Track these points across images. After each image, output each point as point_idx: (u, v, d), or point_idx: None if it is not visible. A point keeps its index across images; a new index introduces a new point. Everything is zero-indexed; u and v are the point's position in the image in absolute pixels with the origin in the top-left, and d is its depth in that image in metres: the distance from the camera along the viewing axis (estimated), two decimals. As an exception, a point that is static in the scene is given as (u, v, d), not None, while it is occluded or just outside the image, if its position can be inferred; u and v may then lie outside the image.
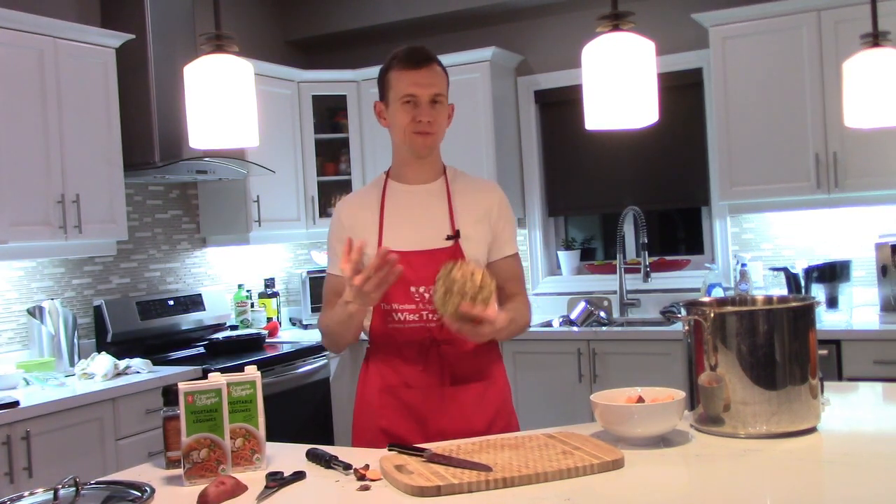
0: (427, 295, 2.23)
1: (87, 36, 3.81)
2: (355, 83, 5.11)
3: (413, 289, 2.24)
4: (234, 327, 4.77)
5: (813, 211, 4.34)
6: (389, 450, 1.95)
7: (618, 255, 4.83)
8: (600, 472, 1.75)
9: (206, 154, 4.14)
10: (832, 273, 4.05)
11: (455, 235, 2.29)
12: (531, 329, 4.39)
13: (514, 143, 5.09)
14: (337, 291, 2.30)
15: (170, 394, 2.01)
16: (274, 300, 5.01)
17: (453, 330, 2.07)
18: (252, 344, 4.41)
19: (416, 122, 2.25)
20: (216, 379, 1.93)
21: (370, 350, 2.37)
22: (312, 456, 1.97)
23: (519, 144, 5.14)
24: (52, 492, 1.73)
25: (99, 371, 3.57)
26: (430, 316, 2.24)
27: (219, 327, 4.64)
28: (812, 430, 1.96)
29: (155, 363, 3.86)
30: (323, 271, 5.19)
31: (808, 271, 4.09)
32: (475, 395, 2.30)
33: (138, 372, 3.69)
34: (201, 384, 1.90)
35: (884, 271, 3.93)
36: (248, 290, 4.92)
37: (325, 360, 4.50)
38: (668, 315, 4.56)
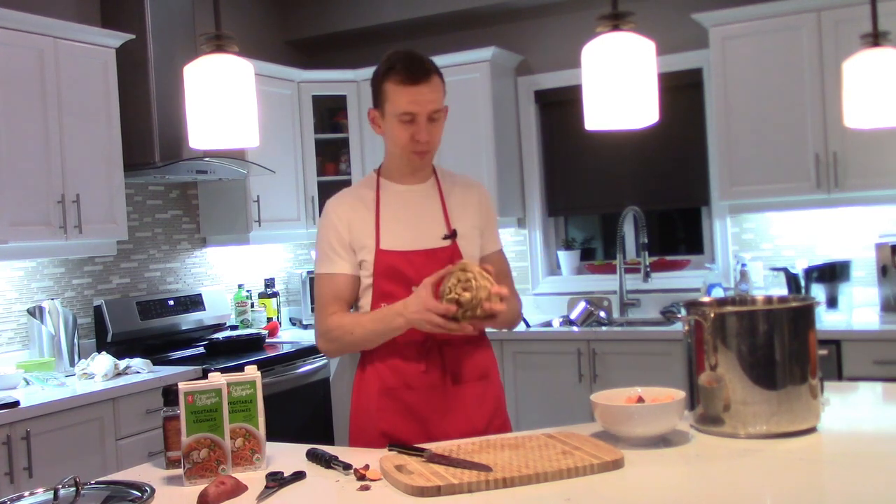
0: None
1: (87, 36, 3.81)
2: (355, 83, 5.10)
3: (414, 288, 2.22)
4: (234, 327, 4.77)
5: (813, 211, 4.34)
6: (389, 450, 1.95)
7: (618, 255, 4.83)
8: (600, 472, 1.75)
9: (206, 154, 4.14)
10: (832, 273, 4.05)
11: (452, 235, 2.30)
12: (531, 329, 4.45)
13: (514, 143, 5.09)
14: (338, 294, 2.29)
15: (170, 394, 2.01)
16: (274, 300, 5.01)
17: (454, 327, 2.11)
18: (252, 344, 4.41)
19: (414, 141, 2.23)
20: (216, 379, 1.93)
21: (366, 352, 2.34)
22: (312, 456, 1.97)
23: (519, 144, 5.14)
24: (52, 492, 1.73)
25: (99, 371, 3.57)
26: None
27: (219, 327, 4.64)
28: (812, 430, 1.96)
29: (155, 363, 3.86)
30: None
31: (808, 271, 4.09)
32: (476, 394, 2.30)
33: (138, 372, 3.69)
34: (201, 384, 1.90)
35: (884, 271, 3.93)
36: (248, 290, 4.92)
37: (325, 361, 4.50)
38: (668, 315, 4.56)
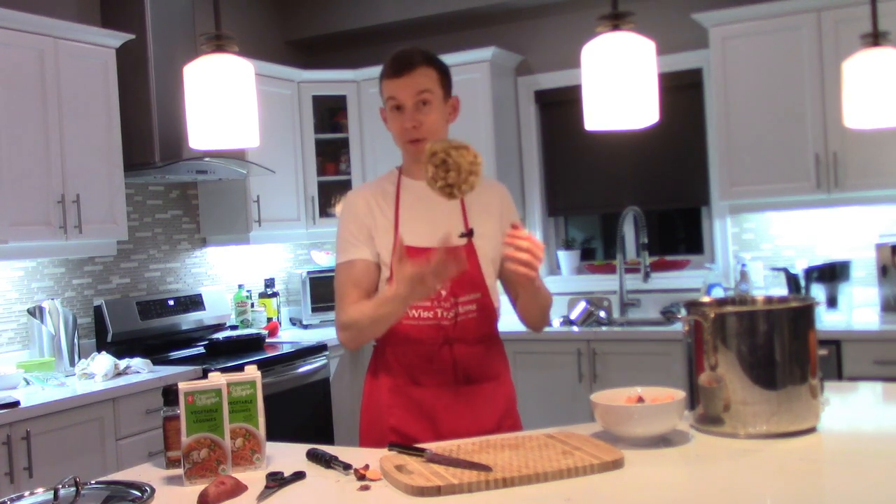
0: (444, 293, 2.23)
1: (87, 36, 3.81)
2: (355, 83, 5.11)
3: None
4: (234, 327, 4.77)
5: (813, 211, 4.34)
6: (389, 450, 1.95)
7: (618, 255, 4.83)
8: (600, 472, 1.75)
9: (206, 154, 4.14)
10: (832, 273, 4.05)
11: (469, 233, 2.30)
12: (531, 329, 4.44)
13: (514, 143, 5.09)
14: (356, 280, 2.27)
15: (170, 394, 2.01)
16: (274, 300, 5.01)
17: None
18: (252, 344, 4.41)
19: (404, 129, 2.27)
20: (216, 379, 1.93)
21: (378, 348, 2.37)
22: (312, 456, 1.97)
23: (519, 144, 5.14)
24: (52, 492, 1.73)
25: (99, 371, 3.57)
26: (445, 314, 2.25)
27: (219, 327, 4.64)
28: (812, 430, 1.96)
29: (155, 363, 3.86)
30: (323, 271, 5.24)
31: (808, 271, 4.09)
32: (486, 394, 2.31)
33: (138, 372, 3.69)
34: (201, 384, 1.90)
35: (884, 271, 3.93)
36: (248, 290, 4.92)
37: (325, 360, 4.50)
38: (668, 315, 4.57)
